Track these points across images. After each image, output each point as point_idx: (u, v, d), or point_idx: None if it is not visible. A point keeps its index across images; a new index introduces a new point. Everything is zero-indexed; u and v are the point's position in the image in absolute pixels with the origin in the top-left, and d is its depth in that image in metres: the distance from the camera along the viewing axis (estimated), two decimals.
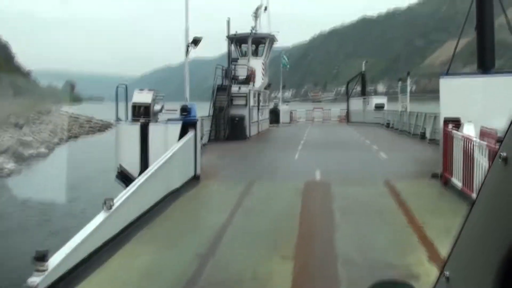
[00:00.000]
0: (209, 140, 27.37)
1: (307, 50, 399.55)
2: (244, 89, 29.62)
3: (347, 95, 53.38)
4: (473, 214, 1.61)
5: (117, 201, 9.25)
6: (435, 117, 25.46)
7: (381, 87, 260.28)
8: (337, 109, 56.03)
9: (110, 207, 8.56)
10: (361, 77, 51.63)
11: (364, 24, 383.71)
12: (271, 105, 51.95)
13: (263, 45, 35.34)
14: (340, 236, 9.27)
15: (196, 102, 29.77)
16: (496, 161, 1.47)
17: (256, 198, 12.88)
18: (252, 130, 31.00)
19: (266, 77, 36.48)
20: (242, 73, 31.52)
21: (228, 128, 28.58)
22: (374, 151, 22.03)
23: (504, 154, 1.43)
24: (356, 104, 50.47)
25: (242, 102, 29.50)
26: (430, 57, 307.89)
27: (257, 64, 33.93)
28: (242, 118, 28.99)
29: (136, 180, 10.96)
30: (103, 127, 62.99)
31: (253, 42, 34.77)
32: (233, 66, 30.94)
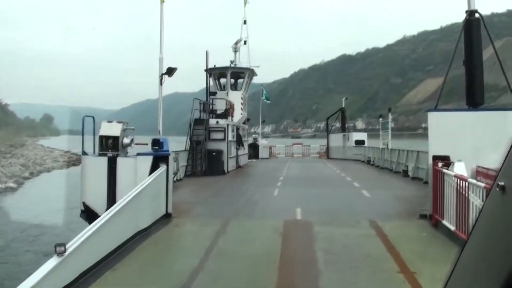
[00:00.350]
0: (186, 175, 26.33)
1: (287, 86, 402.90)
2: (222, 122, 28.75)
3: (327, 131, 52.95)
4: (471, 242, 1.61)
5: (74, 243, 8.13)
6: (418, 153, 24.90)
7: (360, 124, 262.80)
8: (317, 145, 55.52)
9: (62, 253, 7.43)
10: (341, 113, 51.34)
11: (344, 62, 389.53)
12: (250, 140, 51.31)
13: (243, 79, 34.72)
14: (325, 285, 8.27)
15: (175, 136, 28.95)
16: (494, 189, 1.53)
17: (231, 239, 11.81)
18: (230, 165, 30.04)
19: (245, 111, 35.74)
20: (220, 107, 30.71)
21: (205, 163, 27.60)
22: (356, 189, 21.18)
23: (501, 183, 1.48)
24: (336, 140, 50.02)
25: (220, 136, 28.60)
26: (408, 95, 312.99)
27: (236, 98, 33.23)
28: (219, 153, 28.03)
29: (99, 219, 9.82)
30: (78, 160, 61.29)
31: (232, 76, 34.14)
32: (211, 100, 30.13)
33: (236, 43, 35.34)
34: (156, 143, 14.12)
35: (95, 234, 8.96)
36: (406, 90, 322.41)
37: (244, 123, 37.71)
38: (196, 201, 17.60)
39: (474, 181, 9.59)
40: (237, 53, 35.28)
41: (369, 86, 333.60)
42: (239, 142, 34.18)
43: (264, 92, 50.81)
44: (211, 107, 29.73)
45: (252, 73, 34.96)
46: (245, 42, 35.41)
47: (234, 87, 34.54)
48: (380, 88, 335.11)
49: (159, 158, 13.88)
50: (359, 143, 45.36)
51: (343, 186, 22.43)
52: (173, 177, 22.23)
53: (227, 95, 32.77)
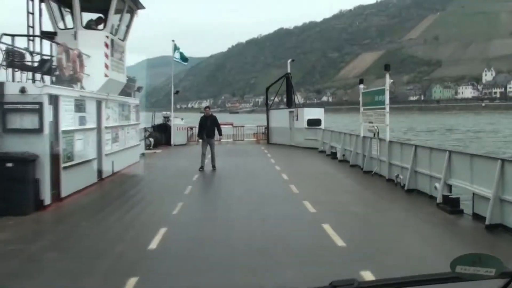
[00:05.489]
0: None
1: (225, 60, 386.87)
2: (33, 89, 12.05)
3: (267, 106, 37.12)
4: None
5: None
6: (503, 163, 9.48)
7: (298, 99, 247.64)
8: (253, 125, 39.39)
9: None
10: (285, 81, 35.48)
11: (281, 36, 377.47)
12: (159, 119, 35.29)
13: (119, 13, 17.88)
14: None
15: None
16: None
17: None
18: (70, 183, 13.64)
19: (122, 73, 19.04)
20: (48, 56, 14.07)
21: None
22: None
23: None
24: (279, 118, 34.28)
25: (31, 122, 11.99)
26: (345, 69, 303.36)
27: (94, 42, 16.41)
28: (24, 162, 11.55)
29: None
30: None
31: (89, 6, 17.03)
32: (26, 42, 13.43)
33: None
34: None
35: None
36: (343, 64, 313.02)
37: (129, 94, 21.36)
38: None
39: None
40: None
41: (306, 60, 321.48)
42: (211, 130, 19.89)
43: (179, 50, 33.81)
44: (18, 57, 13.00)
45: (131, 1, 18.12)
46: None
47: (98, 24, 17.63)
48: (318, 62, 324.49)
49: None
50: (314, 123, 29.89)
51: None
52: None
53: (74, 37, 16.07)
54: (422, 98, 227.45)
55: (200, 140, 20.95)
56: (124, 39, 18.94)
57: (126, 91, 21.17)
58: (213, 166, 19.58)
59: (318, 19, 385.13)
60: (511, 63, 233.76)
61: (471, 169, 10.67)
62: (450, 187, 11.69)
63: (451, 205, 10.91)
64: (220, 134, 20.58)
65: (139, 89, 23.17)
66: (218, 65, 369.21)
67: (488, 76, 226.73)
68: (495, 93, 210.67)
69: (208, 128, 20.03)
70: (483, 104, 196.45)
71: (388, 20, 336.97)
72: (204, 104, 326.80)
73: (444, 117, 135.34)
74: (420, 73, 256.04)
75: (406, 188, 13.78)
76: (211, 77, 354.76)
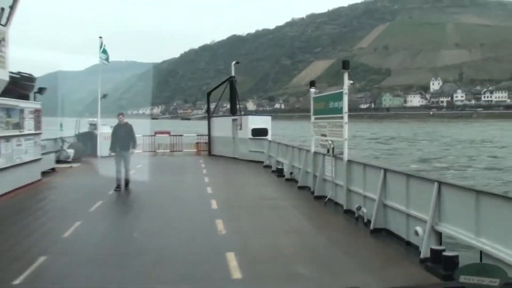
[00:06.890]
0: None
1: (177, 66, 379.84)
2: None
3: (208, 113, 33.05)
4: None
5: None
6: None
7: (251, 105, 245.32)
8: (194, 134, 35.09)
9: None
10: (229, 85, 31.36)
11: (234, 42, 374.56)
12: (85, 126, 30.68)
13: None
14: None
15: None
16: None
17: None
18: None
19: (3, 66, 14.51)
20: None
21: None
22: None
23: None
24: (221, 126, 30.18)
25: None
26: (297, 77, 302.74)
27: None
28: None
29: None
30: None
31: None
32: None
33: None
34: None
35: None
36: (296, 71, 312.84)
37: (26, 96, 16.81)
38: None
39: None
40: None
41: (260, 67, 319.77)
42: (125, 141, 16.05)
43: (104, 47, 28.95)
44: None
45: None
46: None
47: None
48: (271, 69, 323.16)
49: None
50: (259, 133, 26.05)
51: None
52: None
53: None
54: (373, 106, 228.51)
55: (113, 154, 16.57)
56: (5, 24, 14.37)
57: (20, 92, 16.64)
58: (127, 185, 15.66)
59: (271, 26, 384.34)
60: (457, 73, 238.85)
61: (476, 212, 6.87)
62: (439, 234, 7.89)
63: (444, 266, 7.06)
64: (134, 146, 16.29)
65: (40, 90, 18.56)
66: (170, 71, 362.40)
67: (435, 85, 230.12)
68: (442, 102, 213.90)
69: (122, 138, 15.86)
70: (431, 113, 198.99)
71: (340, 29, 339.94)
72: (156, 110, 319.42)
73: (392, 125, 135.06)
74: (371, 82, 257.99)
75: (371, 226, 9.94)
76: (163, 83, 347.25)
